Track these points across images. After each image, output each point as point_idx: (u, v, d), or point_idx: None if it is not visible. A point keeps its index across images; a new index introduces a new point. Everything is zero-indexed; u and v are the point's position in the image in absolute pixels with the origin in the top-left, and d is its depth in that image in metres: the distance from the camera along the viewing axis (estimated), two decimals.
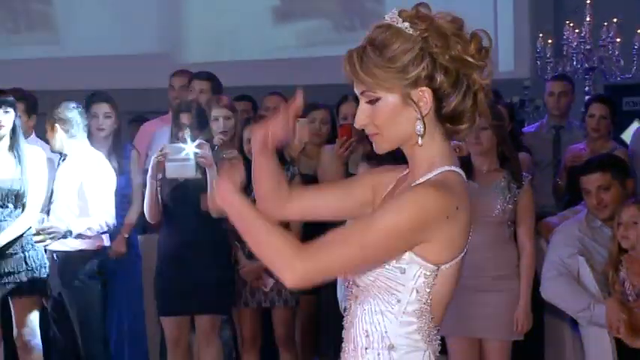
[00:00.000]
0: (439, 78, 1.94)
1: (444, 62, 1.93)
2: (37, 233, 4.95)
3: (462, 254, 2.01)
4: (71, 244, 5.07)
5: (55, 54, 8.88)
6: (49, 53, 8.88)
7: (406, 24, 1.93)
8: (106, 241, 5.24)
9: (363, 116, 2.01)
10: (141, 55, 8.61)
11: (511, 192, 4.45)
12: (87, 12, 8.82)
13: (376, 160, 4.12)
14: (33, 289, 5.06)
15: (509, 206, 4.44)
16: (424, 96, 1.95)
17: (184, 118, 5.08)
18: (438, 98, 1.96)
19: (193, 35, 8.76)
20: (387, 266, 1.96)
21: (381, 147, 2.04)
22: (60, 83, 7.95)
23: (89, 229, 5.03)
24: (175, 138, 5.04)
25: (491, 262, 4.38)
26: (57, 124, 5.15)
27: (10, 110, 5.05)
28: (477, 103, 1.98)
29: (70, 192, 5.11)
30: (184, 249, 5.04)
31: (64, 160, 5.19)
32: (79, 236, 5.02)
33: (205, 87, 5.88)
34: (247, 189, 4.94)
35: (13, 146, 5.05)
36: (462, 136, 2.04)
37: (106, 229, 5.12)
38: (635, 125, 6.40)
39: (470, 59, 1.94)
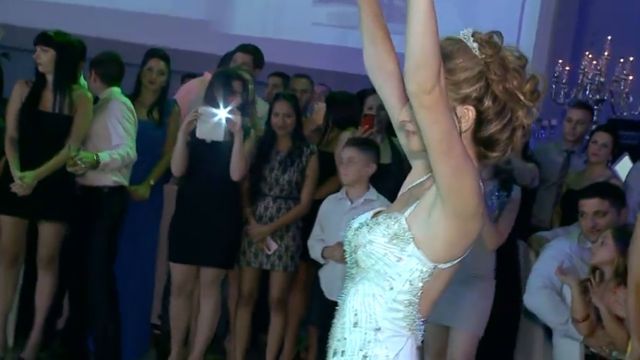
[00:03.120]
0: (487, 103, 1.98)
1: (496, 91, 1.97)
2: (70, 164, 5.20)
3: (460, 258, 2.04)
4: (93, 180, 5.33)
5: (109, 4, 9.09)
6: (103, 2, 9.12)
7: (475, 45, 1.97)
8: (125, 181, 5.46)
9: (410, 112, 1.99)
10: (188, 19, 8.85)
11: (499, 199, 4.64)
12: None
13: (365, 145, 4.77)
14: (60, 214, 5.37)
15: (496, 212, 4.62)
16: (467, 114, 1.98)
17: (236, 85, 5.29)
18: (480, 121, 1.99)
19: (240, 8, 9.03)
20: (389, 254, 2.02)
21: (414, 146, 2.06)
22: (108, 33, 8.22)
23: (114, 158, 5.24)
24: (211, 101, 5.21)
25: (472, 260, 4.52)
26: (93, 71, 5.50)
27: (49, 50, 5.21)
28: (512, 137, 2.03)
29: (99, 131, 5.37)
30: (201, 204, 5.28)
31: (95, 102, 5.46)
32: (106, 167, 5.23)
33: (248, 60, 6.12)
34: (264, 158, 5.43)
35: (57, 85, 5.27)
36: (490, 162, 2.07)
37: (128, 159, 5.32)
38: (626, 159, 6.63)
39: (521, 96, 1.98)
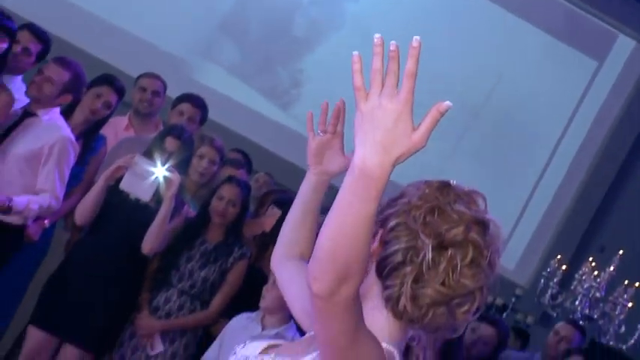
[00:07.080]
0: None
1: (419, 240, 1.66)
2: None
3: None
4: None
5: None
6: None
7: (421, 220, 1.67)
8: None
9: None
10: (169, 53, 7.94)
11: None
12: None
13: None
14: None
15: None
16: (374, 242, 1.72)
17: (170, 143, 4.72)
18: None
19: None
20: None
21: None
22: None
23: (30, 207, 4.37)
24: (149, 155, 4.65)
25: None
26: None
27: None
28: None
29: (21, 158, 4.49)
30: (92, 268, 4.58)
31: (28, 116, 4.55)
32: (19, 214, 4.38)
33: (195, 115, 5.39)
34: (186, 242, 4.62)
35: None
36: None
37: (47, 211, 4.49)
38: None
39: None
